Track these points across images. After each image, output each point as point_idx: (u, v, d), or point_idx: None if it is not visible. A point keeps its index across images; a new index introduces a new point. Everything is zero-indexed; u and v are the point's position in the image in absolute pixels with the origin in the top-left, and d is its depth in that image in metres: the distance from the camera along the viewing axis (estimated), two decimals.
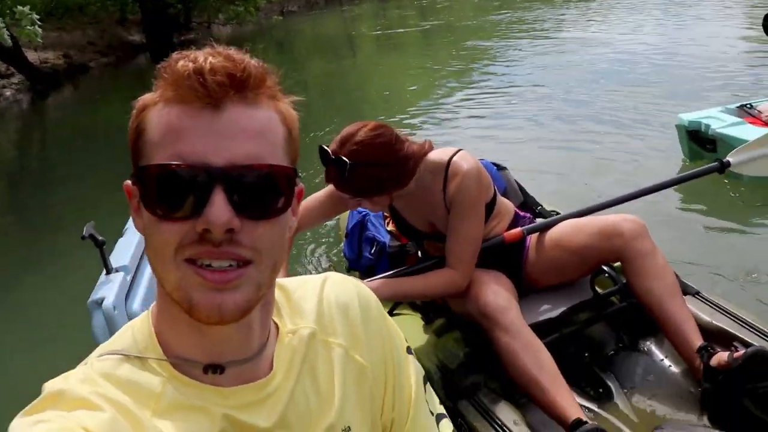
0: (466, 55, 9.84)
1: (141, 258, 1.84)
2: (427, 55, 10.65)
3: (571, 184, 4.22)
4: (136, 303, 1.61)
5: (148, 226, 0.63)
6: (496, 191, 2.08)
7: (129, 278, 1.68)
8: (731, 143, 3.32)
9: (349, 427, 0.74)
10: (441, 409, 0.87)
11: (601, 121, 5.61)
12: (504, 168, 2.58)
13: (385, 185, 1.87)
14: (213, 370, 0.67)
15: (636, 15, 11.70)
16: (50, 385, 0.63)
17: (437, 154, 1.95)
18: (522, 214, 2.22)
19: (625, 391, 1.97)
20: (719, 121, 3.82)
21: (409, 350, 0.85)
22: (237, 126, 0.61)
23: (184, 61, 0.61)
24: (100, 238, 1.63)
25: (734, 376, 1.67)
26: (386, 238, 2.46)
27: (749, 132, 3.44)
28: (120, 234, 1.96)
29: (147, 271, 1.79)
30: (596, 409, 1.91)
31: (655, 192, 2.31)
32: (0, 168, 7.77)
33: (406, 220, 2.09)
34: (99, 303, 1.52)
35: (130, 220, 2.05)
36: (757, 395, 1.71)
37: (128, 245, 1.84)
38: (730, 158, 2.34)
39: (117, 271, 1.67)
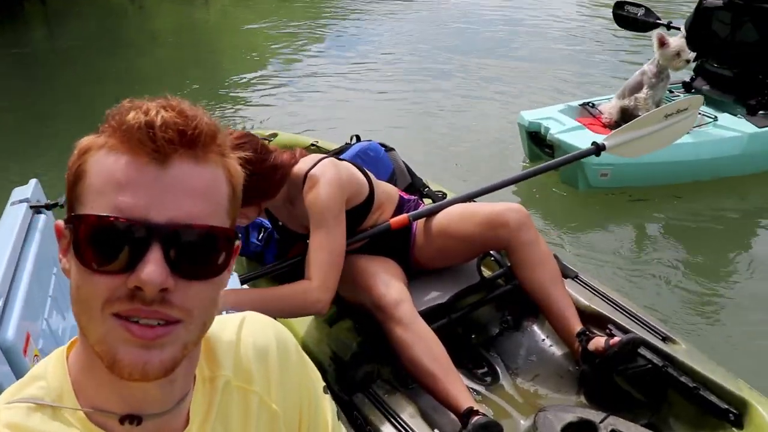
0: (326, 20, 9.36)
1: (14, 275, 1.62)
2: (284, 13, 10.09)
3: (443, 163, 4.27)
4: (10, 331, 1.42)
5: (76, 275, 0.60)
6: (374, 186, 2.04)
7: (1, 302, 1.48)
8: (567, 150, 3.31)
9: None
10: None
11: (468, 96, 5.71)
12: (392, 149, 2.55)
13: (250, 196, 1.72)
14: (130, 421, 0.64)
15: None
16: None
17: (300, 165, 1.91)
18: (407, 197, 2.22)
19: (510, 371, 2.07)
20: (558, 124, 3.72)
21: (325, 389, 0.85)
22: (182, 184, 0.60)
23: (135, 112, 0.59)
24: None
25: (609, 360, 1.80)
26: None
27: (587, 140, 3.22)
28: None
29: (22, 291, 1.58)
30: (484, 392, 2.00)
31: (537, 175, 2.40)
32: None
33: (284, 224, 2.06)
34: None
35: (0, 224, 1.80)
36: (627, 375, 1.87)
37: None
38: (605, 141, 2.46)
39: None
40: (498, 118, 5.00)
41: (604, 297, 2.04)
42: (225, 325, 0.77)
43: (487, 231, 2.01)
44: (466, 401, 1.73)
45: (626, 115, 3.67)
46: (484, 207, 2.11)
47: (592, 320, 1.98)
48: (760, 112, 3.79)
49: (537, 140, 3.84)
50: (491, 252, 2.20)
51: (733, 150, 3.62)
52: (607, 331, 1.91)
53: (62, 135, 5.00)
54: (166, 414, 0.66)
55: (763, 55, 3.76)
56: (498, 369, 2.08)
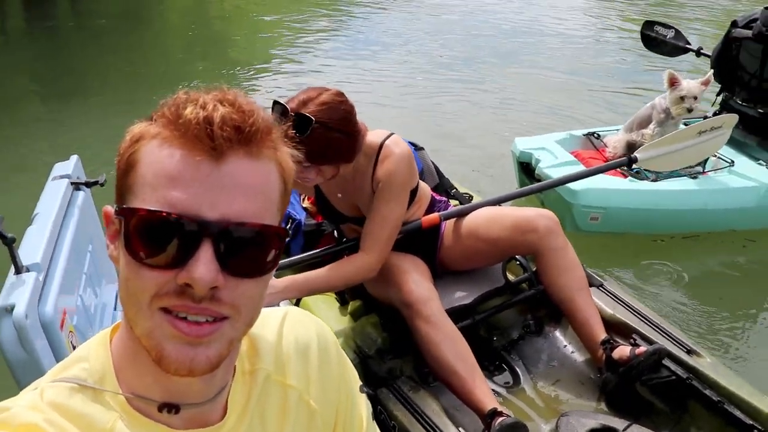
0: (336, 15, 9.28)
1: (54, 250, 1.65)
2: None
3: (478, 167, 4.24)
4: (49, 305, 1.45)
5: (125, 267, 0.60)
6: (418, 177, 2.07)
7: (42, 277, 1.51)
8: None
9: None
10: None
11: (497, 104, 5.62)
12: (421, 148, 2.58)
13: (340, 154, 1.79)
14: (168, 409, 0.65)
15: None
16: None
17: (371, 137, 1.91)
18: (438, 198, 2.24)
19: (531, 376, 2.08)
20: (551, 156, 3.35)
21: (361, 389, 0.85)
22: (236, 180, 0.59)
23: (193, 106, 0.58)
24: (9, 235, 1.45)
25: (633, 369, 1.81)
26: (302, 215, 2.40)
27: (594, 190, 3.08)
28: (29, 221, 1.74)
29: (60, 267, 1.61)
30: (505, 394, 2.01)
31: (570, 182, 2.41)
32: None
33: (329, 202, 2.05)
34: (9, 310, 1.34)
35: (40, 201, 1.83)
36: (650, 385, 1.88)
37: (39, 236, 1.63)
38: (637, 154, 2.48)
39: (28, 270, 1.49)
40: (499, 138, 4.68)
41: (629, 307, 2.05)
42: (267, 320, 0.77)
43: (517, 235, 2.03)
44: (490, 402, 1.75)
45: (632, 151, 3.29)
46: (514, 211, 2.13)
47: (616, 329, 2.00)
48: None
49: (528, 171, 3.49)
50: (517, 256, 2.21)
51: (748, 202, 3.20)
52: (632, 340, 1.92)
53: (93, 113, 5.04)
54: (204, 404, 0.67)
55: None
56: (519, 372, 2.10)
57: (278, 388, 0.74)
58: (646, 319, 1.99)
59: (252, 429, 0.71)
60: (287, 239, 2.36)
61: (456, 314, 2.02)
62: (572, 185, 2.82)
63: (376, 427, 0.87)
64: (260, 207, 0.60)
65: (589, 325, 1.96)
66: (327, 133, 1.71)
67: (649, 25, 3.91)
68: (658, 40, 3.86)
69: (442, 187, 2.54)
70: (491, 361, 2.13)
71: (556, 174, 3.03)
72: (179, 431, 0.66)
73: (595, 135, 3.65)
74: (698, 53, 3.68)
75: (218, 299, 0.58)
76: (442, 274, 2.17)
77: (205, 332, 0.58)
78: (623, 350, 1.85)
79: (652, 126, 3.35)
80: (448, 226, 2.18)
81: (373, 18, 8.82)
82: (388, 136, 1.91)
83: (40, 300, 1.48)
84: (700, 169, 3.20)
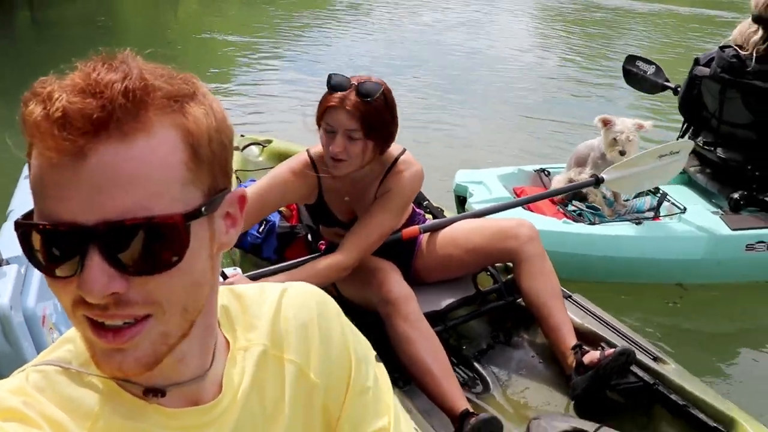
0: (295, 29, 9.46)
1: None
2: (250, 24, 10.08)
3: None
4: (31, 297, 1.43)
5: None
6: None
7: (23, 270, 1.47)
8: None
9: None
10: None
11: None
12: None
13: (384, 134, 1.86)
14: (154, 393, 0.62)
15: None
16: None
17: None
18: (417, 210, 2.29)
19: (501, 383, 2.10)
20: (485, 191, 3.11)
21: (377, 358, 0.81)
22: (105, 175, 0.50)
23: (33, 103, 0.50)
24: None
25: (602, 372, 1.85)
26: (276, 218, 2.39)
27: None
28: (4, 218, 1.71)
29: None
30: (475, 401, 2.02)
31: (540, 200, 2.48)
32: None
33: (329, 209, 2.06)
34: None
35: (14, 198, 1.79)
36: (618, 390, 1.92)
37: None
38: (604, 175, 2.57)
39: (9, 263, 1.47)
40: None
41: (598, 318, 2.11)
42: (265, 296, 0.75)
43: (497, 242, 2.08)
44: (463, 404, 1.76)
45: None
46: (495, 221, 2.21)
47: (586, 338, 2.04)
48: (745, 209, 3.08)
49: (463, 204, 3.23)
50: (488, 267, 2.25)
51: (694, 253, 2.89)
52: (600, 347, 1.97)
53: None
54: (191, 384, 0.65)
55: (752, 141, 3.08)
56: (489, 380, 2.11)
57: (275, 361, 0.72)
58: (614, 329, 2.05)
59: (249, 405, 0.69)
60: (258, 240, 2.34)
61: (428, 320, 2.03)
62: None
63: (397, 403, 0.82)
64: (145, 195, 0.51)
65: (561, 331, 2.00)
66: (385, 106, 1.82)
67: (631, 59, 3.73)
68: (639, 75, 3.66)
69: (417, 199, 2.58)
70: (461, 369, 2.14)
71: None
72: (172, 409, 0.63)
73: (546, 172, 3.37)
74: (676, 91, 3.43)
75: (128, 302, 0.52)
76: (414, 284, 2.18)
77: (126, 338, 0.53)
78: (593, 355, 1.90)
79: (587, 170, 3.05)
80: (425, 236, 2.22)
81: (322, 40, 8.93)
82: (403, 151, 1.98)
83: (21, 293, 1.46)
84: (650, 214, 2.99)
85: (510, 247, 2.06)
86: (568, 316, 2.04)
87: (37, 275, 1.53)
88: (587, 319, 2.10)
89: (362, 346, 0.80)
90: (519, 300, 2.19)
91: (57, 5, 10.64)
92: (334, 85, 1.80)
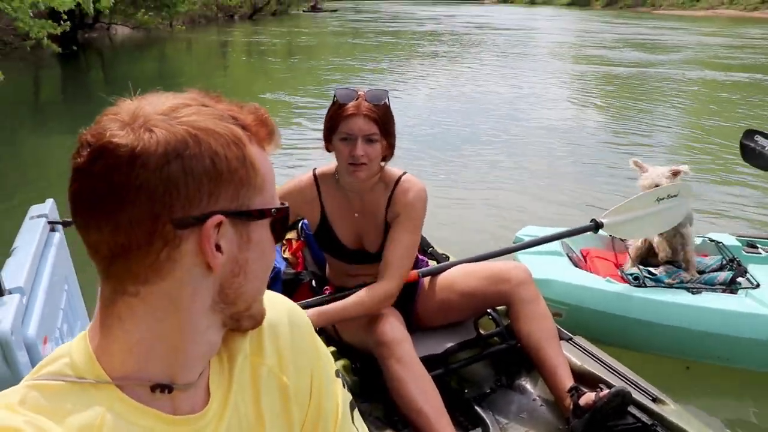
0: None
1: (35, 279, 1.71)
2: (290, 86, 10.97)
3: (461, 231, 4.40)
4: (32, 328, 1.48)
5: (267, 250, 0.70)
6: None
7: (25, 300, 1.55)
8: None
9: None
10: None
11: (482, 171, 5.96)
12: None
13: (393, 138, 1.99)
14: (161, 389, 0.66)
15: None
16: None
17: (388, 169, 2.07)
18: (421, 258, 2.34)
19: (501, 426, 2.08)
20: (540, 247, 2.82)
21: (337, 374, 0.86)
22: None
23: (257, 108, 0.69)
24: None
25: (599, 414, 1.84)
26: (282, 265, 2.46)
27: (560, 283, 2.78)
28: (7, 254, 1.82)
29: (41, 294, 1.66)
30: None
31: (538, 245, 2.51)
32: None
33: (334, 232, 2.11)
34: None
35: (18, 237, 1.90)
36: (617, 431, 1.90)
37: (21, 264, 1.69)
38: (603, 219, 2.58)
39: (11, 293, 1.54)
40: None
41: (597, 359, 2.10)
42: None
43: (490, 285, 2.11)
44: None
45: (650, 253, 3.05)
46: (489, 264, 2.24)
47: (584, 380, 2.03)
48: None
49: None
50: (489, 311, 2.28)
51: (759, 333, 2.56)
52: (598, 389, 1.96)
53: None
54: (191, 388, 0.68)
55: None
56: (489, 424, 2.10)
57: (251, 366, 0.76)
58: (613, 370, 2.04)
59: (236, 413, 0.73)
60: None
61: (427, 363, 2.05)
62: (532, 272, 2.42)
63: (362, 422, 0.87)
64: None
65: (557, 374, 2.00)
66: (388, 108, 1.95)
67: (749, 134, 3.40)
68: (757, 151, 3.32)
69: (421, 245, 2.63)
70: (462, 413, 2.14)
71: (526, 261, 2.68)
72: (170, 416, 0.67)
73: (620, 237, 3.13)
74: None
75: None
76: (416, 329, 2.21)
77: None
78: (589, 396, 1.89)
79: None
80: (425, 282, 2.26)
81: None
82: (404, 173, 2.07)
83: (23, 322, 1.51)
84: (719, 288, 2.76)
85: (503, 290, 2.09)
86: (565, 357, 2.04)
87: (38, 305, 1.59)
88: (587, 360, 2.10)
89: (327, 362, 0.84)
90: (520, 344, 2.19)
91: (126, 64, 11.49)
92: (344, 96, 1.92)
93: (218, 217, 0.63)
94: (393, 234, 2.02)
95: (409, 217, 2.02)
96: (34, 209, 2.10)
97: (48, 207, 2.12)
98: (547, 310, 2.11)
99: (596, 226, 2.58)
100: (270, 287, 2.36)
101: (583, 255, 3.18)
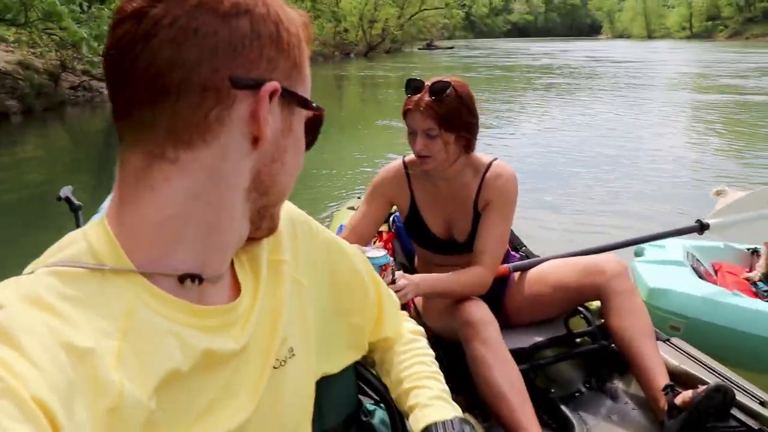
0: None
1: None
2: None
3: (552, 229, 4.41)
4: None
5: (300, 149, 0.70)
6: None
7: None
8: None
9: (291, 348, 0.76)
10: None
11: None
12: None
13: (465, 130, 1.92)
14: (191, 279, 0.62)
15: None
16: None
17: (478, 155, 2.04)
18: (513, 254, 2.30)
19: (588, 427, 1.97)
20: (662, 253, 2.86)
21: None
22: None
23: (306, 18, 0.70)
24: (77, 202, 1.57)
25: (696, 412, 1.69)
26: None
27: (680, 294, 2.56)
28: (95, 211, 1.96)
29: None
30: None
31: (637, 244, 2.39)
32: None
33: (423, 220, 2.12)
34: None
35: (106, 201, 2.04)
36: None
37: None
38: (709, 220, 2.42)
39: None
40: None
41: (697, 360, 1.95)
42: None
43: (583, 278, 2.03)
44: None
45: None
46: (582, 258, 2.16)
47: (682, 381, 1.88)
48: None
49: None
50: (581, 309, 2.18)
51: None
52: (696, 388, 1.81)
53: None
54: (220, 280, 0.66)
55: None
56: (576, 424, 1.99)
57: (273, 264, 0.77)
58: (714, 371, 1.88)
59: (263, 306, 0.73)
60: None
61: (515, 356, 1.98)
62: (649, 282, 2.53)
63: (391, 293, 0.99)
64: None
65: (652, 372, 1.87)
66: (458, 100, 1.88)
67: None
68: None
69: (512, 244, 2.58)
70: (547, 412, 2.05)
71: (645, 270, 2.70)
72: (202, 306, 0.64)
73: (758, 253, 2.91)
74: None
75: None
76: (505, 325, 2.16)
77: None
78: (686, 395, 1.74)
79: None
80: (515, 277, 2.21)
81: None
82: (495, 159, 2.04)
83: None
84: None
85: (596, 282, 1.99)
86: (660, 356, 1.90)
87: None
88: (685, 361, 1.94)
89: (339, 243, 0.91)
90: (613, 345, 2.08)
91: None
92: (411, 88, 1.92)
93: (275, 84, 0.61)
94: (484, 221, 2.00)
95: (501, 203, 1.98)
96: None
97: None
98: (643, 304, 2.00)
99: (701, 227, 2.41)
100: None
101: (714, 269, 2.94)
